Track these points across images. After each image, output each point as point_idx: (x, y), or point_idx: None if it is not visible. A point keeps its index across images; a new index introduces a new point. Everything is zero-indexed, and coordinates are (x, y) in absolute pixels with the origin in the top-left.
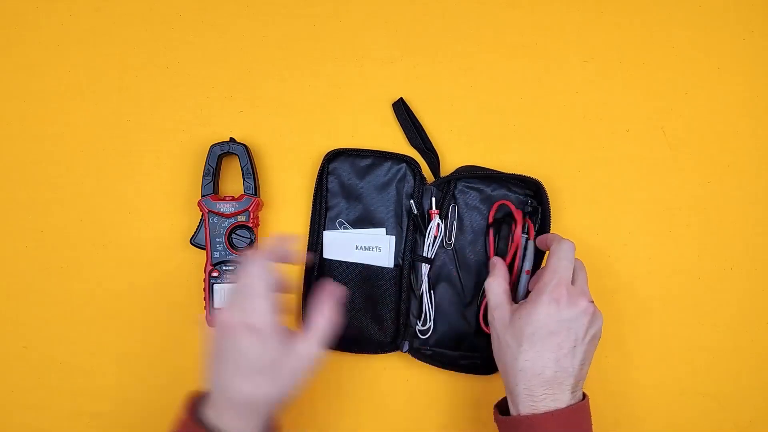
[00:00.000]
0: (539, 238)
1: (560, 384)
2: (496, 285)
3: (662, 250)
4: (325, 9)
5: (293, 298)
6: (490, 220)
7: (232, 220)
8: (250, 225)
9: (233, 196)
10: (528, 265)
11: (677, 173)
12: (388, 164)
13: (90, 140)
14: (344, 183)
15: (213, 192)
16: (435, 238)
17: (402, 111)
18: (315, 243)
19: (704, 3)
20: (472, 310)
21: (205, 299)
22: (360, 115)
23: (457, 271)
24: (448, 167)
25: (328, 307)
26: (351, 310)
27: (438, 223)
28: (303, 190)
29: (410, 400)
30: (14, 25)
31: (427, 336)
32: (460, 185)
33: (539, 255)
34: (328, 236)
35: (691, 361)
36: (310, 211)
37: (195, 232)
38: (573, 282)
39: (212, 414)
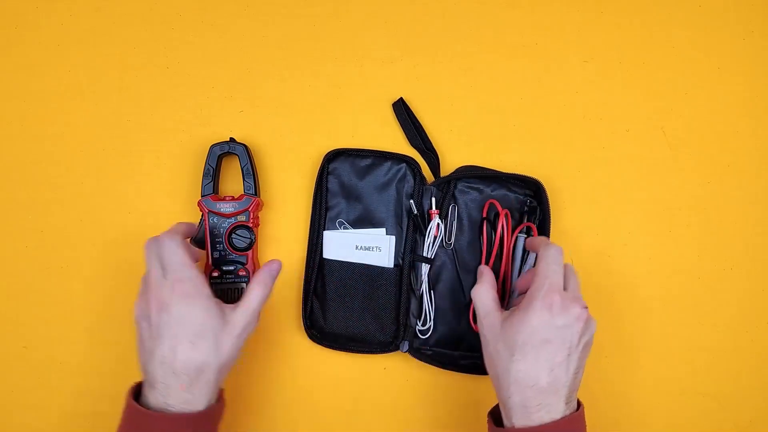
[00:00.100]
0: (527, 240)
1: (554, 394)
2: (484, 292)
3: (662, 250)
4: (325, 9)
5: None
6: (484, 214)
7: (232, 220)
8: (250, 225)
9: (233, 196)
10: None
11: (677, 173)
12: (388, 164)
13: (90, 140)
14: (344, 183)
15: (213, 192)
16: (435, 238)
17: (402, 111)
18: (315, 243)
19: (704, 3)
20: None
21: None
22: (360, 115)
23: (457, 271)
24: (448, 167)
25: (264, 281)
26: (351, 310)
27: (438, 223)
28: (303, 190)
29: (410, 400)
30: (14, 25)
31: (427, 336)
32: (460, 185)
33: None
34: (328, 236)
35: (691, 361)
36: (310, 211)
37: (195, 232)
38: (565, 287)
39: (157, 395)
